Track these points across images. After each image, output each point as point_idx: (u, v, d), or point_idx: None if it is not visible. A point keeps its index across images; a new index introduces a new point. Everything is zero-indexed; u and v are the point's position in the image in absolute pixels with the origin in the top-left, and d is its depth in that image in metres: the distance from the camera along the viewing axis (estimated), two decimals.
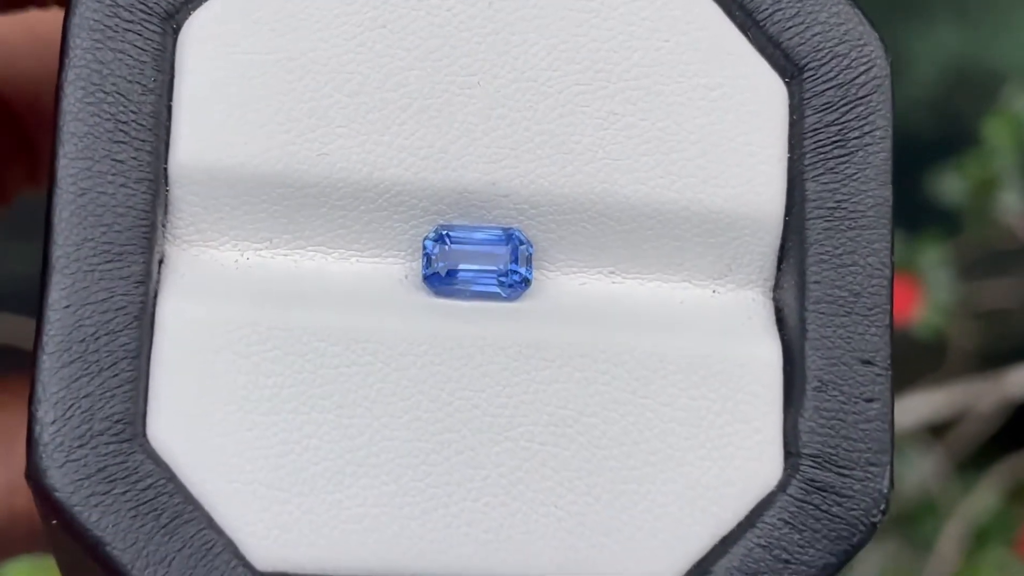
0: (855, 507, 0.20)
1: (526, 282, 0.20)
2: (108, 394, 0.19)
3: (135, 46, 0.20)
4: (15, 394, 0.24)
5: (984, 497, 0.61)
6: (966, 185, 0.64)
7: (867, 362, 0.20)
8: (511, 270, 0.20)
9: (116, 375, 0.19)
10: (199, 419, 0.19)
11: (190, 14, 0.20)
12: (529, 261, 0.20)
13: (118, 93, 0.19)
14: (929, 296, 0.62)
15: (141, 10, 0.20)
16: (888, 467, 0.20)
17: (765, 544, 0.20)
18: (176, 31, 0.20)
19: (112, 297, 0.19)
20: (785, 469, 0.20)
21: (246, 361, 0.19)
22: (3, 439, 0.24)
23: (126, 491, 0.19)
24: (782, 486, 0.20)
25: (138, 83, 0.20)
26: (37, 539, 0.25)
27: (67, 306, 0.19)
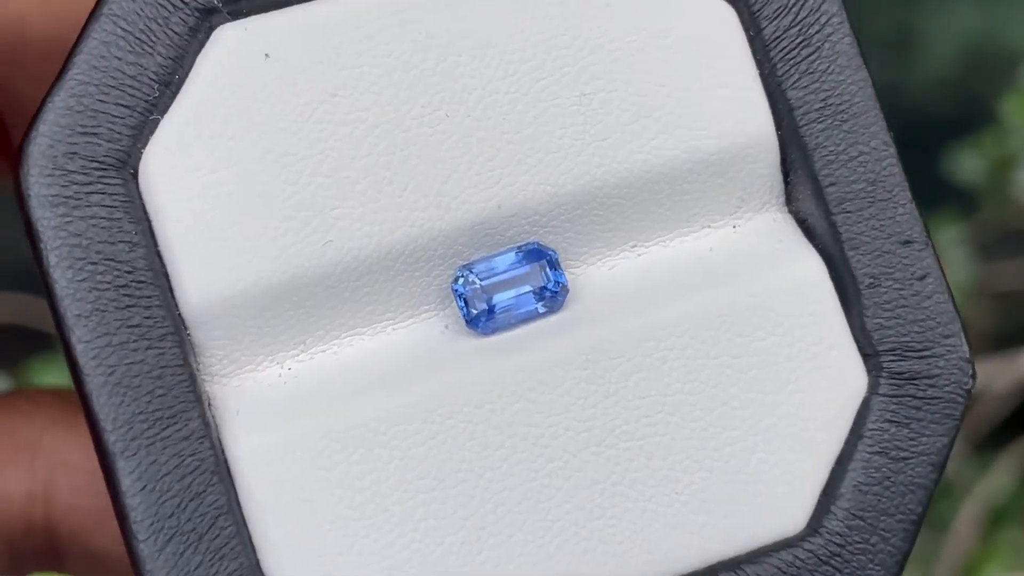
0: (947, 382, 0.20)
1: (564, 288, 0.20)
2: (217, 557, 0.18)
3: (103, 206, 0.19)
4: (38, 404, 0.24)
5: (1000, 478, 0.62)
6: (983, 164, 0.63)
7: (907, 242, 0.20)
8: (545, 284, 0.20)
9: (217, 535, 0.18)
10: (314, 547, 0.18)
11: (142, 153, 0.19)
12: (558, 267, 0.20)
13: (106, 259, 0.19)
14: (946, 275, 0.62)
15: (95, 168, 0.19)
16: (961, 334, 0.20)
17: (879, 450, 0.20)
18: (135, 175, 0.19)
19: (183, 461, 0.18)
20: (869, 372, 0.20)
21: (332, 472, 0.19)
22: (24, 449, 0.24)
23: None
24: (873, 389, 0.20)
25: (121, 241, 0.19)
26: (55, 555, 0.25)
27: (143, 487, 0.18)
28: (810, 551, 0.19)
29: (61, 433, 0.24)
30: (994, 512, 0.62)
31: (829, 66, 0.20)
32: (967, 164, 0.64)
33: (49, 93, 0.19)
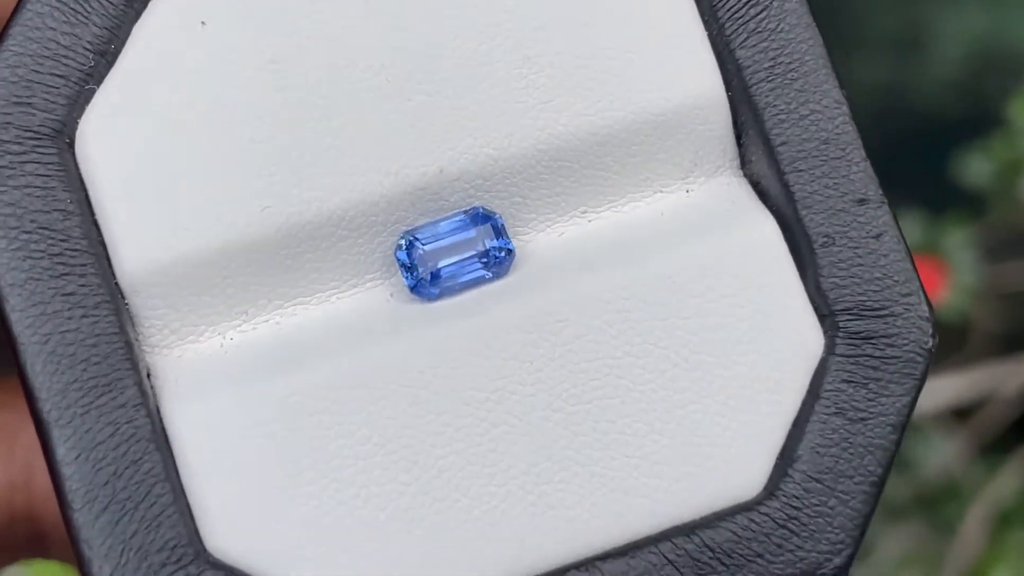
0: (906, 341, 0.19)
1: (509, 254, 0.19)
2: (154, 525, 0.18)
3: (38, 175, 0.19)
4: (15, 393, 0.24)
5: (1008, 481, 0.61)
6: (991, 167, 0.63)
7: (861, 200, 0.20)
8: (490, 248, 0.19)
9: (154, 503, 0.18)
10: (253, 514, 0.18)
11: (77, 123, 0.19)
12: (503, 232, 0.20)
13: (40, 228, 0.18)
14: (954, 278, 0.61)
15: (29, 138, 0.19)
16: (920, 292, 0.20)
17: (836, 410, 0.19)
18: (71, 145, 0.19)
19: (119, 429, 0.18)
20: (825, 332, 0.20)
21: (273, 439, 0.18)
22: (3, 438, 0.24)
23: None
24: (829, 349, 0.19)
25: (56, 210, 0.19)
26: (39, 543, 0.24)
27: (77, 456, 0.18)
28: (766, 515, 0.19)
29: None
30: (1002, 515, 0.61)
31: (778, 25, 0.20)
32: (975, 166, 0.63)
33: None
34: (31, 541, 0.24)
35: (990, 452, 0.65)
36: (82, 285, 0.18)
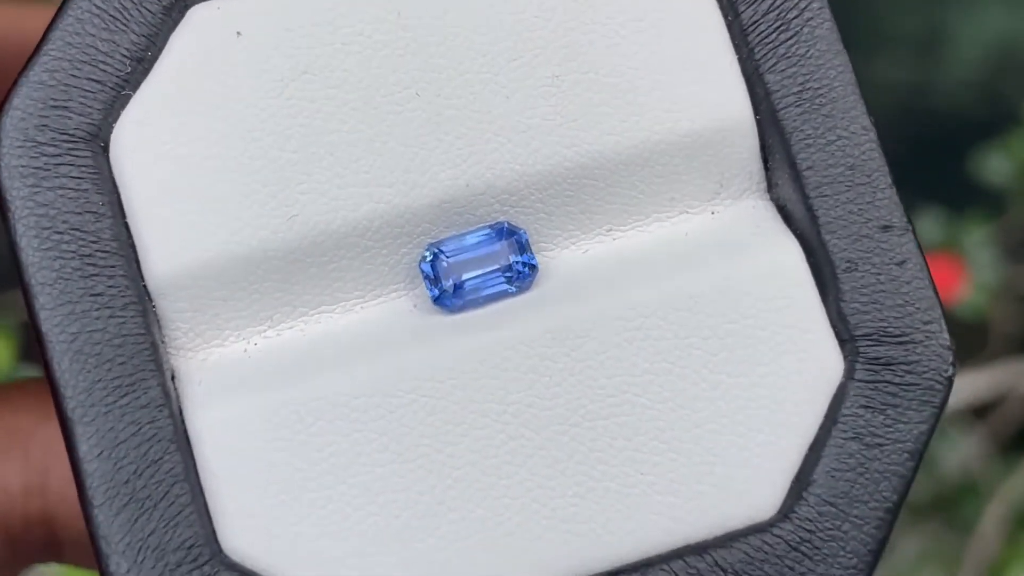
0: (926, 369, 0.20)
1: (533, 269, 0.20)
2: (172, 524, 0.18)
3: (71, 177, 0.19)
4: (30, 395, 0.24)
5: None
6: (1011, 165, 0.63)
7: (886, 227, 0.20)
8: (513, 263, 0.20)
9: (172, 503, 0.18)
10: (269, 517, 0.18)
11: (112, 127, 0.19)
12: (527, 247, 0.20)
13: (72, 229, 0.19)
14: (973, 276, 0.61)
15: (65, 140, 0.19)
16: (942, 320, 0.20)
17: (853, 435, 0.19)
18: (105, 149, 0.19)
19: (141, 429, 0.18)
20: (845, 356, 0.20)
21: (292, 445, 0.19)
22: (18, 441, 0.24)
23: None
24: (849, 374, 0.20)
25: (88, 212, 0.19)
26: (54, 547, 0.24)
27: (100, 453, 0.18)
28: (780, 536, 0.19)
29: (54, 423, 0.24)
30: (1019, 513, 0.60)
31: (808, 50, 0.20)
32: (995, 165, 0.63)
33: (24, 68, 0.19)
34: (46, 544, 0.24)
35: (1008, 451, 0.64)
36: (110, 286, 0.19)
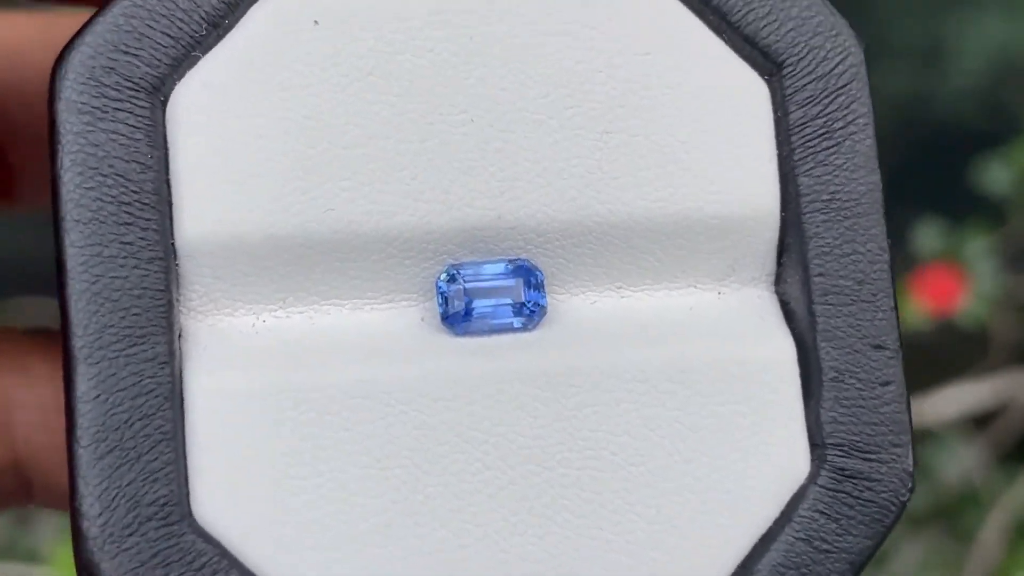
0: (884, 489, 0.20)
1: (542, 310, 0.20)
2: (151, 479, 0.19)
3: (127, 124, 0.19)
4: None
5: None
6: (1012, 175, 0.63)
7: (879, 347, 0.21)
8: (525, 301, 0.20)
9: (155, 459, 0.19)
10: (243, 492, 0.19)
11: (176, 85, 0.20)
12: (541, 288, 0.20)
13: (117, 174, 0.19)
14: (973, 286, 0.62)
15: (128, 87, 0.19)
16: (909, 446, 0.21)
17: (804, 537, 0.20)
18: (164, 103, 0.20)
19: (141, 381, 0.19)
20: (813, 460, 0.20)
21: (279, 427, 0.19)
22: None
23: (182, 573, 0.19)
24: (812, 478, 0.20)
25: (135, 161, 0.19)
26: (25, 492, 0.25)
27: (97, 396, 0.19)
28: None
29: (16, 376, 0.24)
30: (1020, 523, 0.61)
31: (845, 162, 0.21)
32: (996, 175, 0.64)
33: (101, 9, 0.20)
34: (17, 489, 0.25)
35: (1009, 460, 0.65)
36: (141, 238, 0.19)
